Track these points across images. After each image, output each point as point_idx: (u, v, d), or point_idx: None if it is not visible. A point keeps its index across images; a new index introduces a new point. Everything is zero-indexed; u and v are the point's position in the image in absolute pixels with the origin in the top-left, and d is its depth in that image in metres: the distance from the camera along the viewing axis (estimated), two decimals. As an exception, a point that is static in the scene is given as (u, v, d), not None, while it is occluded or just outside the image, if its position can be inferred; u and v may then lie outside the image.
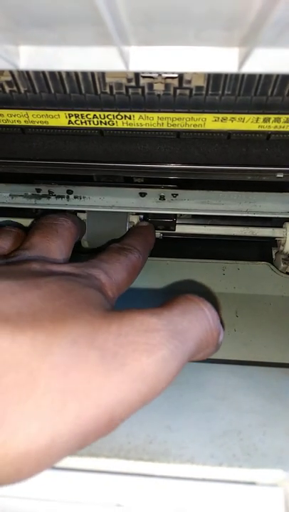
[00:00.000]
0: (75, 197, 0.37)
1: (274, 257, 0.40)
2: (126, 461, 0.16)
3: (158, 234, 0.39)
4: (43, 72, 0.20)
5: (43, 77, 0.21)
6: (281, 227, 0.37)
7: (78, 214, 0.38)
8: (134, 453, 0.16)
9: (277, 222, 0.38)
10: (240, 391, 0.22)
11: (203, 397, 0.21)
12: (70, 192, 0.36)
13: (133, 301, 0.37)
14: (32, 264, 0.20)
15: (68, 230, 0.28)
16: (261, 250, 0.42)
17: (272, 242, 0.40)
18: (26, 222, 0.39)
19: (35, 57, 0.15)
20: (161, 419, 0.18)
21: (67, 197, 0.37)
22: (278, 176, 0.31)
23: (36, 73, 0.20)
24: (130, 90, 0.21)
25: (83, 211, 0.37)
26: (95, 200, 0.36)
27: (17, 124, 0.25)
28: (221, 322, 0.21)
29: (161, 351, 0.15)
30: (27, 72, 0.20)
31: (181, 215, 0.38)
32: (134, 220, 0.37)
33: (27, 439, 0.13)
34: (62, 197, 0.37)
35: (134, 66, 0.16)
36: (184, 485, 0.15)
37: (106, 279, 0.22)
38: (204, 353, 0.19)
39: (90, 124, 0.25)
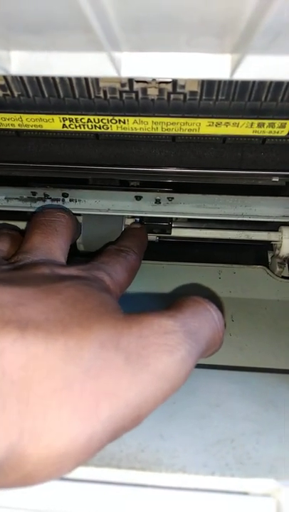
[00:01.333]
0: (71, 200, 0.36)
1: (270, 260, 0.40)
2: (117, 470, 0.15)
3: (153, 237, 0.39)
4: (37, 77, 0.20)
5: (37, 82, 0.21)
6: (277, 230, 0.37)
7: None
8: (126, 462, 0.16)
9: (272, 226, 0.38)
10: (235, 397, 0.21)
11: (196, 404, 0.21)
12: (65, 195, 0.36)
13: (130, 305, 0.37)
14: (41, 269, 0.21)
15: (66, 227, 0.28)
16: (257, 254, 0.42)
17: (268, 245, 0.40)
18: (22, 225, 0.39)
19: (26, 62, 0.15)
20: (153, 426, 0.18)
21: (63, 200, 0.36)
22: (274, 180, 0.31)
23: (30, 78, 0.20)
24: (124, 95, 0.21)
25: (79, 214, 0.37)
26: (91, 203, 0.36)
27: (11, 127, 0.25)
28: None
29: (180, 351, 0.17)
30: (20, 77, 0.20)
31: (176, 218, 0.38)
32: (130, 223, 0.37)
33: (67, 441, 0.14)
34: (57, 200, 0.36)
35: (126, 72, 0.15)
36: (175, 495, 0.15)
37: (110, 280, 0.22)
38: (211, 351, 0.20)
39: (84, 128, 0.25)
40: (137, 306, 0.36)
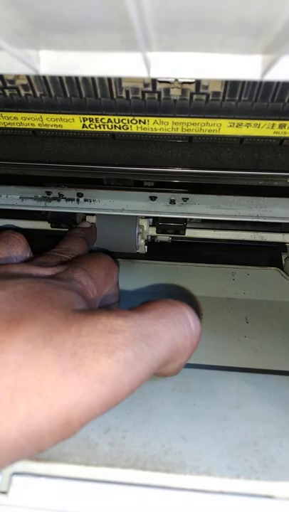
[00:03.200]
0: (85, 200, 0.36)
1: (284, 262, 0.40)
2: (142, 472, 0.15)
3: (166, 238, 0.38)
4: (60, 77, 0.20)
5: (60, 82, 0.21)
6: (291, 232, 0.37)
7: (88, 217, 0.38)
8: (151, 463, 0.16)
9: (287, 228, 0.38)
10: (254, 400, 0.21)
11: (216, 406, 0.20)
12: (80, 195, 0.36)
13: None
14: (12, 267, 0.21)
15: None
16: (271, 256, 0.41)
17: (282, 247, 0.40)
18: (36, 224, 0.39)
19: (56, 62, 0.15)
20: (175, 428, 0.18)
21: (78, 200, 0.36)
22: (290, 181, 0.31)
23: (53, 77, 0.20)
24: (146, 95, 0.21)
25: (93, 214, 0.37)
26: (105, 203, 0.36)
27: (31, 127, 0.25)
28: None
29: (122, 352, 0.15)
30: (43, 76, 0.20)
31: (191, 219, 0.38)
32: (144, 223, 0.37)
33: None
34: (72, 200, 0.36)
35: (155, 72, 0.15)
36: (201, 497, 0.15)
37: (87, 281, 0.22)
38: (180, 361, 0.19)
39: (104, 128, 0.25)
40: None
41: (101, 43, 0.14)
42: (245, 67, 0.15)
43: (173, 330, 0.17)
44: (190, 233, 0.38)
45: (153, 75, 0.15)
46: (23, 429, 0.13)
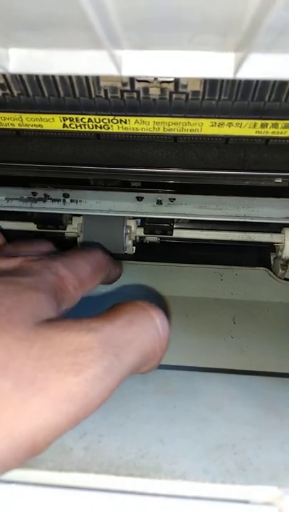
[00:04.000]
0: (72, 201, 0.36)
1: (272, 262, 0.40)
2: (116, 478, 0.15)
3: (155, 238, 0.38)
4: (36, 76, 0.20)
5: (37, 81, 0.20)
6: (279, 232, 0.37)
7: (74, 218, 0.37)
8: (125, 469, 0.16)
9: (275, 228, 0.38)
10: (236, 401, 0.21)
11: (197, 408, 0.20)
12: (66, 195, 0.36)
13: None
14: None
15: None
16: (259, 256, 0.41)
17: (271, 247, 0.40)
18: (22, 225, 0.39)
19: (25, 60, 0.15)
20: (153, 431, 0.18)
21: (64, 200, 0.36)
22: (277, 181, 0.31)
23: (29, 76, 0.20)
24: (125, 94, 0.21)
25: (80, 215, 0.37)
26: (92, 204, 0.36)
27: (11, 127, 0.25)
28: None
29: (91, 369, 0.15)
30: (20, 76, 0.20)
31: (178, 219, 0.38)
32: (132, 224, 0.37)
33: None
34: (58, 200, 0.36)
35: (127, 70, 0.15)
36: (175, 503, 0.15)
37: (66, 272, 0.20)
38: (151, 364, 0.18)
39: (85, 128, 0.24)
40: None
41: (70, 40, 0.14)
42: (218, 65, 0.15)
43: (143, 336, 0.17)
44: (178, 234, 0.38)
45: (125, 73, 0.15)
46: None
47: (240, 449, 0.17)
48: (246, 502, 0.15)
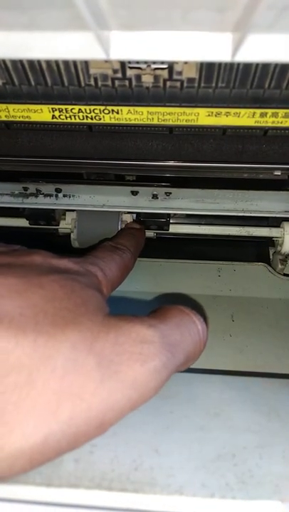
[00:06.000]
0: (64, 195, 0.35)
1: (271, 257, 0.39)
2: (108, 493, 0.14)
3: (151, 234, 0.37)
4: (21, 62, 0.19)
5: (22, 68, 0.19)
6: (278, 226, 0.36)
7: (68, 213, 0.36)
8: (118, 482, 0.15)
9: (274, 222, 0.37)
10: (235, 406, 0.20)
11: (194, 414, 0.19)
12: (58, 190, 0.35)
13: (125, 303, 0.36)
14: (33, 257, 0.20)
15: None
16: (258, 251, 0.40)
17: (270, 242, 0.39)
18: (13, 221, 0.37)
19: (3, 43, 0.14)
20: (149, 440, 0.17)
21: (56, 195, 0.35)
22: (276, 173, 0.29)
23: (14, 63, 0.19)
24: (116, 82, 0.20)
25: (73, 210, 0.36)
26: (85, 198, 0.35)
27: (-2, 119, 0.23)
28: None
29: (154, 361, 0.16)
30: (4, 62, 0.19)
31: (174, 214, 0.37)
32: (128, 219, 0.36)
33: (22, 437, 0.13)
34: (50, 195, 0.35)
35: (116, 53, 0.14)
36: (171, 520, 0.14)
37: (102, 276, 0.22)
38: (189, 364, 0.20)
39: (75, 119, 0.23)
40: (132, 305, 0.35)
41: (52, 21, 0.13)
42: (215, 47, 0.13)
43: (188, 339, 0.19)
44: (174, 229, 0.37)
45: (113, 57, 0.14)
46: (65, 431, 0.14)
47: (241, 460, 0.16)
48: (247, 519, 0.14)
